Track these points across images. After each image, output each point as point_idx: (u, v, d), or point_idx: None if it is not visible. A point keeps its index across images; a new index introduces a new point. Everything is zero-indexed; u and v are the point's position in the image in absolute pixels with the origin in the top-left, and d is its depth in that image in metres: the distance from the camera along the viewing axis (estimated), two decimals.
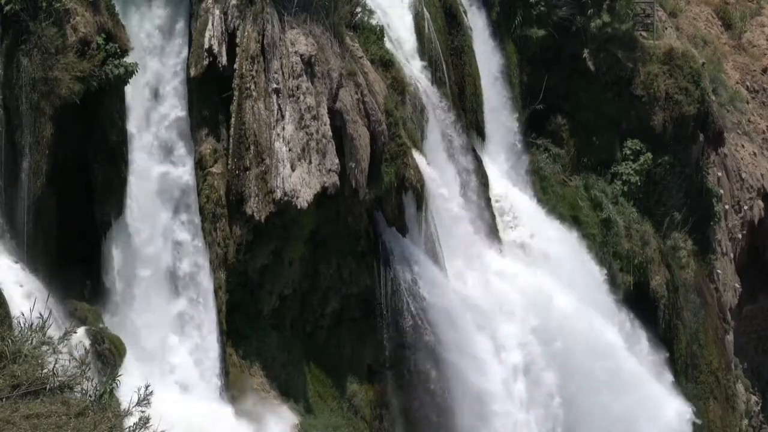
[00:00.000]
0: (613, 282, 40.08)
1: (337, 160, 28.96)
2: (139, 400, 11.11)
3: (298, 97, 28.77)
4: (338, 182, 29.01)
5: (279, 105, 28.54)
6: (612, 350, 37.03)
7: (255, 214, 28.04)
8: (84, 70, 24.72)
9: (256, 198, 28.08)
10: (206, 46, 27.70)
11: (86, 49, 24.90)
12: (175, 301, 27.46)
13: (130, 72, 25.37)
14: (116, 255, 26.25)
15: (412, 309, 31.70)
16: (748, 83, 51.41)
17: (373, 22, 32.81)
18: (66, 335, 12.73)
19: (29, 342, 11.88)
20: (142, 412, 11.15)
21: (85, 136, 25.62)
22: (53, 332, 13.50)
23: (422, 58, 35.18)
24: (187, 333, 27.47)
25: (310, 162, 28.61)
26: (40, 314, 13.36)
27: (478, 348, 33.00)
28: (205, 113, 28.34)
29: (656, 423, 37.76)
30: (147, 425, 10.93)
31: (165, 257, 27.41)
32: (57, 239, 25.28)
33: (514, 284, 35.33)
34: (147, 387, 11.27)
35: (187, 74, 27.63)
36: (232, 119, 28.13)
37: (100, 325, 25.16)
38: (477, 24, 38.43)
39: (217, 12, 28.01)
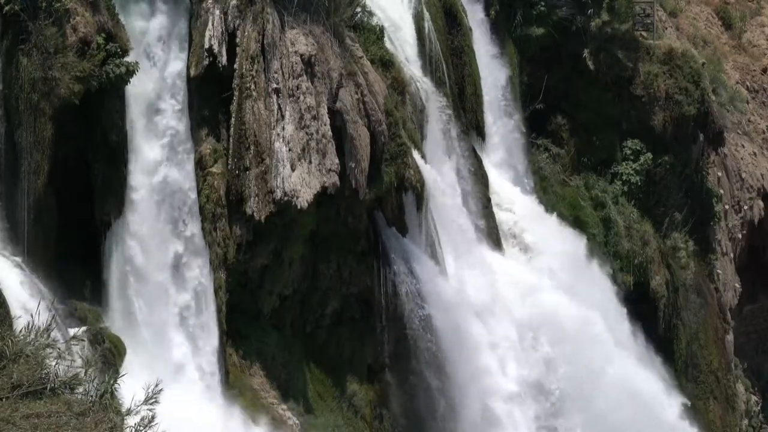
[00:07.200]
0: (614, 280, 40.07)
1: (337, 160, 28.95)
2: (146, 398, 11.04)
3: (298, 97, 28.75)
4: (338, 182, 29.00)
5: (279, 105, 28.53)
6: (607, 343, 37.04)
7: (255, 214, 28.02)
8: (84, 70, 24.68)
9: (256, 198, 28.06)
10: (206, 46, 27.68)
11: (86, 49, 24.87)
12: (175, 300, 27.42)
13: (130, 71, 25.34)
14: (116, 255, 26.23)
15: (412, 309, 31.69)
16: (748, 83, 51.37)
17: (373, 22, 32.79)
18: (71, 340, 12.68)
19: (31, 344, 11.85)
20: (150, 410, 11.07)
21: (85, 136, 25.60)
22: (53, 332, 13.46)
23: (422, 58, 35.15)
24: (187, 333, 27.44)
25: (310, 162, 28.59)
26: (39, 315, 13.32)
27: (477, 347, 32.98)
28: (205, 113, 28.33)
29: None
30: (151, 424, 10.86)
31: (165, 257, 27.38)
32: (57, 239, 25.26)
33: (513, 284, 35.29)
34: (157, 385, 11.16)
35: (187, 74, 27.61)
36: (232, 119, 28.12)
37: (100, 326, 25.14)
38: (477, 24, 38.41)
39: (217, 12, 27.98)
